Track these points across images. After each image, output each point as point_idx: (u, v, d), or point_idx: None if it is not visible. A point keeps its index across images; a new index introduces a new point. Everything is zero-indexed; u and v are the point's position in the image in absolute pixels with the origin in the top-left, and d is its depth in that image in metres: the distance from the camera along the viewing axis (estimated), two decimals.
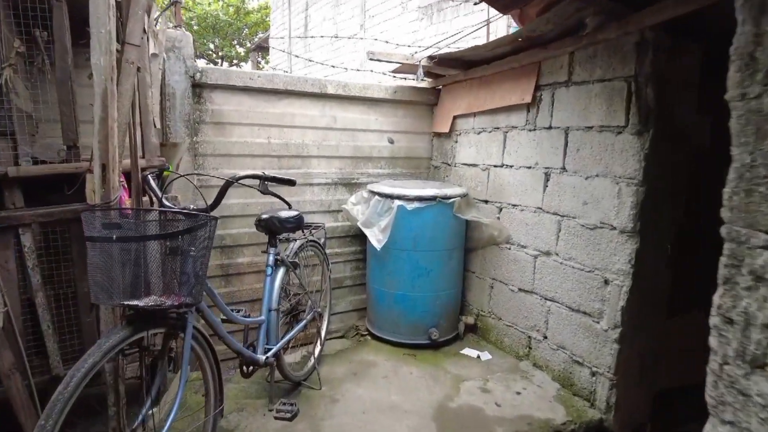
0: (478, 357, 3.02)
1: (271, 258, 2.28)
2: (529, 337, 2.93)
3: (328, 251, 3.27)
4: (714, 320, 1.07)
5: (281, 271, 2.34)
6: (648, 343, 2.52)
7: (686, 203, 2.55)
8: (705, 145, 2.73)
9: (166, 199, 2.00)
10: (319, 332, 2.83)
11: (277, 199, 2.18)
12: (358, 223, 3.11)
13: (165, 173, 2.31)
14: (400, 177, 3.65)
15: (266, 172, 1.80)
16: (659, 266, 2.45)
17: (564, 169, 2.67)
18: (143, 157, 2.19)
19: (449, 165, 3.59)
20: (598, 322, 2.48)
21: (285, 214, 2.32)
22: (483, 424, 2.33)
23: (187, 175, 2.10)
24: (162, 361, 1.62)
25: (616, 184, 2.38)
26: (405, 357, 3.01)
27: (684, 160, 2.46)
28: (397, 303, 3.08)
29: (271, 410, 2.12)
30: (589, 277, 2.53)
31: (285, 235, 2.50)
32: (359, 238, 3.44)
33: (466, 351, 3.10)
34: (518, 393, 2.62)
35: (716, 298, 1.07)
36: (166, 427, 1.49)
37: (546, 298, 2.80)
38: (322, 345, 2.89)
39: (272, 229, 2.28)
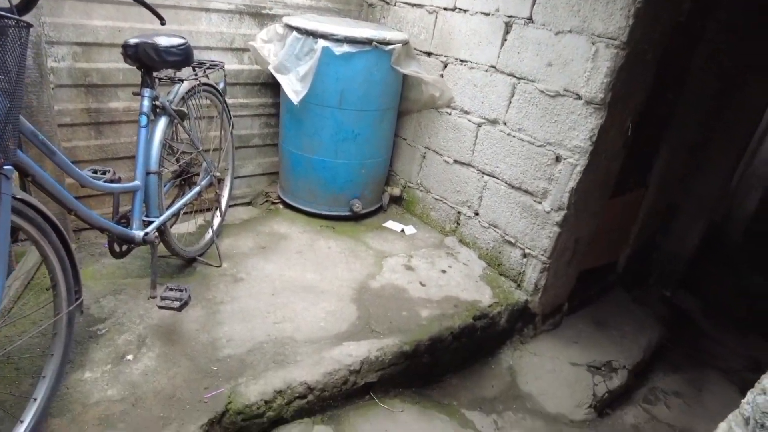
0: (402, 231, 2.75)
1: (145, 103, 1.66)
2: (459, 212, 2.67)
3: (231, 101, 2.64)
4: None
5: (162, 122, 1.74)
6: (587, 225, 2.36)
7: (654, 78, 2.23)
8: (683, 15, 2.36)
9: None
10: (218, 199, 2.33)
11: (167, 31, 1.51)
12: (270, 68, 2.47)
13: None
14: (326, 13, 2.94)
15: None
16: (617, 146, 2.19)
17: (530, 19, 2.18)
18: None
19: (388, 3, 2.92)
20: (540, 203, 2.24)
21: (165, 40, 1.65)
22: (407, 307, 2.11)
23: None
24: None
25: (593, 44, 1.96)
26: (322, 229, 2.65)
27: (666, 27, 2.08)
28: (316, 170, 2.62)
29: (154, 297, 1.69)
30: (538, 153, 2.22)
31: (167, 73, 1.84)
32: (271, 87, 2.81)
33: (390, 224, 2.81)
34: (443, 271, 2.42)
35: None
36: None
37: (484, 173, 2.49)
38: (222, 215, 2.42)
39: (146, 61, 1.61)
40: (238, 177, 2.90)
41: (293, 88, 2.40)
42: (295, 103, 2.38)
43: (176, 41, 1.68)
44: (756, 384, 0.75)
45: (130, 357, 1.64)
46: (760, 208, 5.16)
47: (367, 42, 2.37)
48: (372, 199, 2.84)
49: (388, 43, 2.42)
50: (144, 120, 1.65)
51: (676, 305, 3.61)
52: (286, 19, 2.52)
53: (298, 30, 2.40)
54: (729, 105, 3.20)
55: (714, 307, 3.70)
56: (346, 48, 2.35)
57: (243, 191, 2.97)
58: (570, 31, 2.03)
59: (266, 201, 2.92)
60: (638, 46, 1.95)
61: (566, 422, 2.10)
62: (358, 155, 2.62)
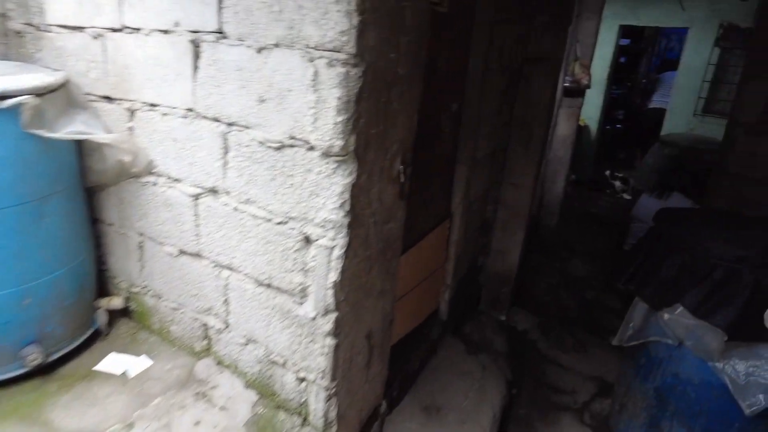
0: (125, 374, 1.78)
1: None
2: (205, 324, 1.80)
3: None
4: None
5: None
6: (377, 312, 1.67)
7: (426, 91, 1.62)
8: (445, 3, 1.82)
9: None
10: None
11: None
12: None
13: None
14: None
15: None
16: (390, 200, 1.52)
17: (221, 32, 1.40)
18: None
19: (38, 29, 1.90)
20: (300, 305, 1.48)
21: None
22: None
23: None
24: None
25: (311, 62, 1.24)
26: None
27: (421, 21, 1.46)
28: None
29: None
30: (280, 233, 1.45)
31: None
32: None
33: (108, 363, 1.82)
34: None
35: None
36: None
37: (221, 266, 1.65)
38: None
39: None
40: None
41: None
42: None
43: None
44: None
45: None
46: (566, 191, 5.24)
47: None
48: (69, 332, 1.81)
49: (7, 96, 1.44)
50: None
51: (513, 328, 3.23)
52: None
53: None
54: (518, 99, 2.86)
55: (546, 313, 3.42)
56: None
57: None
58: (276, 45, 1.29)
59: None
60: (380, 57, 1.29)
61: None
62: (11, 279, 1.58)
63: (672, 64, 6.98)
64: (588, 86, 4.32)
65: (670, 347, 1.93)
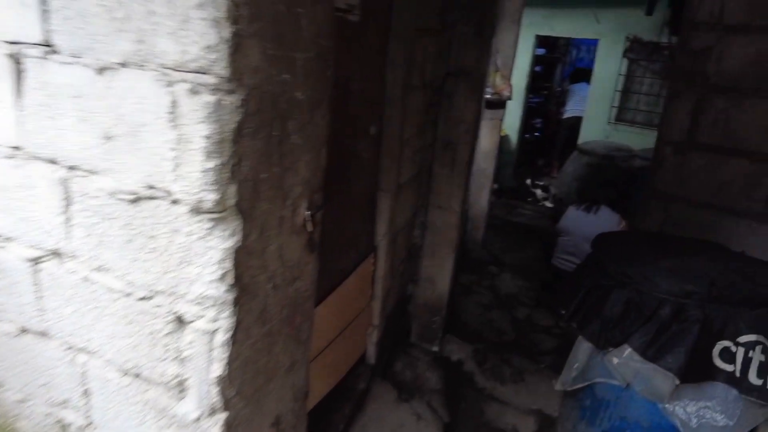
0: None
1: None
2: (62, 420, 1.39)
3: None
4: None
5: None
6: (288, 388, 1.35)
7: (331, 121, 1.32)
8: (356, 12, 1.56)
9: None
10: None
11: None
12: None
13: None
14: None
15: None
16: (295, 256, 1.21)
17: (50, 46, 1.03)
18: None
19: None
20: (179, 401, 1.13)
21: None
22: None
23: None
24: None
25: (168, 87, 0.91)
26: None
27: (323, 31, 1.17)
28: None
29: None
30: (143, 312, 1.09)
31: None
32: None
33: None
34: None
35: None
36: None
37: (76, 349, 1.26)
38: None
39: None
40: None
41: None
42: None
43: None
44: None
45: None
46: (490, 202, 5.18)
47: None
48: None
49: None
50: None
51: (447, 359, 3.01)
52: None
53: None
54: (441, 117, 2.65)
55: (480, 339, 3.25)
56: None
57: None
58: (123, 65, 0.95)
59: None
60: (268, 80, 0.98)
61: None
62: None
63: (583, 72, 7.20)
64: (509, 98, 4.25)
65: (617, 388, 1.77)
